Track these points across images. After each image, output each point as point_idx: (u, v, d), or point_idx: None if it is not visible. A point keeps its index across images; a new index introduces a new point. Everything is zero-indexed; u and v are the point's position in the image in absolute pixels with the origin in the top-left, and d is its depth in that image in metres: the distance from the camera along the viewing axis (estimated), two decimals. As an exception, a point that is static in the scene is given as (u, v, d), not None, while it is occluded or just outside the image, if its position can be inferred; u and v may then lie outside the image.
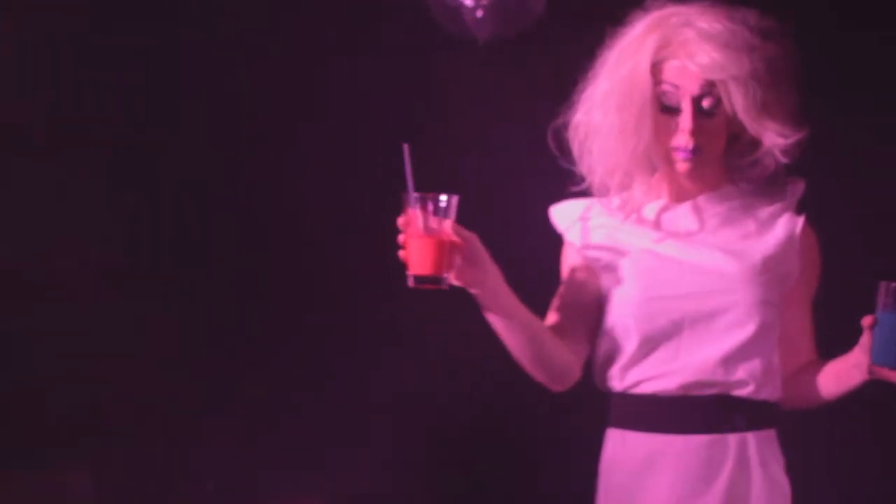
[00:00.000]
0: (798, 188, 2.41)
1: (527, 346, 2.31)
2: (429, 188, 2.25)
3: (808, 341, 2.45)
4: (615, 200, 2.40)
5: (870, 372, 2.23)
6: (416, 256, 2.23)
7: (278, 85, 3.75)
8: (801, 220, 2.39)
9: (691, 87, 2.29)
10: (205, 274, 3.77)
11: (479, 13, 3.07)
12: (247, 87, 3.76)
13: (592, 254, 2.40)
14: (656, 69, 2.30)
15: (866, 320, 2.22)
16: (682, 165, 2.33)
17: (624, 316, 2.35)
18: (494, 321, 2.30)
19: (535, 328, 2.33)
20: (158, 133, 3.78)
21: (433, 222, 2.23)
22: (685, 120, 2.29)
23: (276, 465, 3.72)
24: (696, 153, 2.31)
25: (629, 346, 2.35)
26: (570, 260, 2.45)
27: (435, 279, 2.23)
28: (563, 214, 2.46)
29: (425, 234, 2.22)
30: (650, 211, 2.40)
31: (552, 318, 2.43)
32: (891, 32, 3.47)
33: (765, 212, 2.38)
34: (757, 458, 2.34)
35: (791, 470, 2.41)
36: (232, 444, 3.69)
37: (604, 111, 2.33)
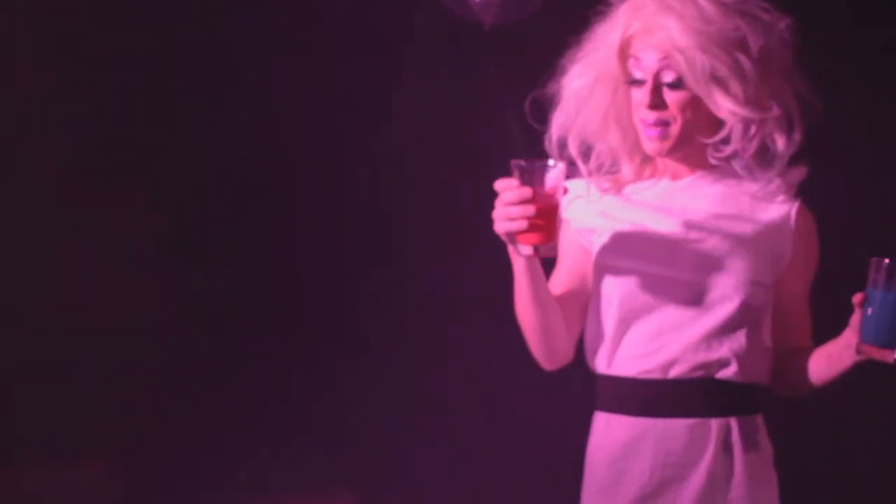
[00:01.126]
0: (798, 173, 2.37)
1: (543, 318, 2.31)
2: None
3: (804, 327, 2.41)
4: (601, 180, 2.40)
5: (858, 351, 2.18)
6: (549, 225, 2.16)
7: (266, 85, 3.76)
8: (796, 204, 2.36)
9: (650, 60, 2.29)
10: (205, 270, 3.77)
11: None
12: (234, 88, 3.75)
13: (587, 232, 2.40)
14: (627, 44, 2.31)
15: (856, 298, 2.18)
16: (648, 144, 2.33)
17: (610, 295, 2.34)
18: (528, 287, 2.28)
19: (553, 302, 2.33)
20: (153, 133, 3.78)
21: (553, 189, 2.17)
22: (644, 93, 2.29)
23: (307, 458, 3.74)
24: (663, 129, 2.30)
25: (613, 325, 2.33)
26: (566, 239, 2.42)
27: (555, 247, 2.20)
28: None
29: (547, 203, 2.15)
30: (644, 189, 2.39)
31: None
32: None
33: (760, 194, 2.35)
34: (740, 443, 2.30)
35: (782, 461, 2.38)
36: (263, 437, 3.73)
37: (570, 79, 2.35)
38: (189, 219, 3.83)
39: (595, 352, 2.38)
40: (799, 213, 2.36)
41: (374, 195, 3.83)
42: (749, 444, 2.31)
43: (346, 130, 3.81)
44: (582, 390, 2.45)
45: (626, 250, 2.34)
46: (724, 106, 2.27)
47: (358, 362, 3.78)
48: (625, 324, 2.32)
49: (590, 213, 2.39)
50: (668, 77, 2.28)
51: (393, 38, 3.72)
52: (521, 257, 2.24)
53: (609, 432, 2.35)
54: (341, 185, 3.83)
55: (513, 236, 2.17)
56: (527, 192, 2.14)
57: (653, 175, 2.41)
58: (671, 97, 2.29)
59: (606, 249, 2.35)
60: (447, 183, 3.61)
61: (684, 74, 2.26)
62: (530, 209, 2.14)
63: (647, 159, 2.41)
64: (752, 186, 2.36)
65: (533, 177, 2.15)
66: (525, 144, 2.21)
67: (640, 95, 2.30)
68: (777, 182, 2.35)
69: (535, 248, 2.18)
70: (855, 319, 2.19)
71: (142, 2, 3.76)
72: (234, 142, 3.82)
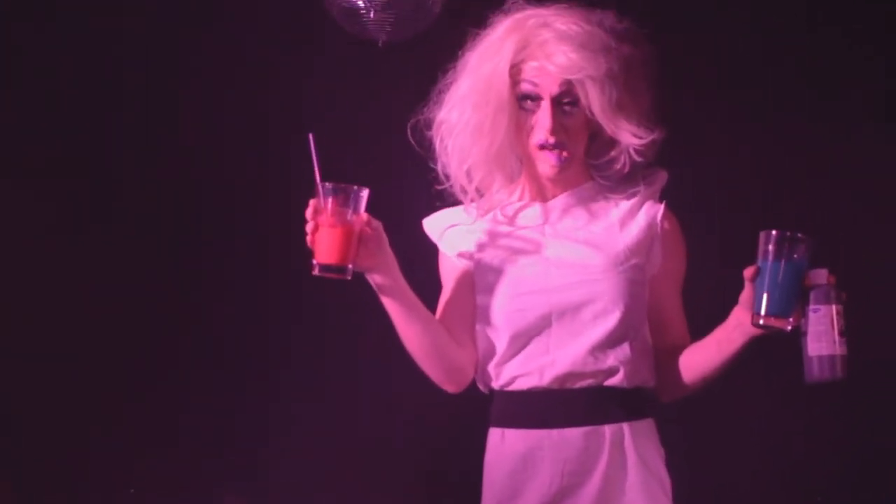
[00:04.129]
0: (660, 178, 2.46)
1: (423, 336, 2.39)
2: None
3: (680, 324, 2.46)
4: (477, 205, 2.45)
5: (754, 323, 2.22)
6: (325, 246, 2.27)
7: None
8: (661, 207, 2.42)
9: (550, 87, 2.33)
10: (88, 278, 3.73)
11: (372, 14, 3.11)
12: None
13: (465, 259, 2.45)
14: (516, 70, 2.35)
15: (748, 272, 2.23)
16: (550, 169, 2.38)
17: (495, 314, 2.39)
18: (393, 308, 2.37)
19: (430, 318, 2.41)
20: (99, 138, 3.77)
21: (344, 213, 2.27)
22: (545, 117, 2.33)
23: (199, 467, 3.73)
24: (561, 153, 2.35)
25: (501, 343, 2.39)
26: (446, 268, 2.50)
27: (340, 269, 2.28)
28: (435, 225, 2.51)
29: (335, 224, 2.26)
30: (515, 211, 2.45)
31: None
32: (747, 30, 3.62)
33: (626, 204, 2.42)
34: (633, 448, 2.35)
35: (675, 463, 2.43)
36: (154, 448, 3.70)
37: (461, 110, 2.38)
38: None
39: (486, 370, 2.43)
40: (664, 215, 2.42)
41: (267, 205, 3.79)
42: (642, 448, 2.36)
43: (246, 145, 3.77)
44: (475, 408, 2.50)
45: (509, 274, 2.40)
46: (628, 130, 2.34)
47: (250, 370, 3.78)
48: (513, 343, 2.38)
49: (468, 240, 2.45)
50: (566, 101, 2.34)
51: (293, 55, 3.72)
52: (372, 284, 2.36)
53: (505, 446, 2.40)
54: (245, 192, 3.80)
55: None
56: (308, 210, 2.27)
57: (521, 196, 2.46)
58: (568, 121, 2.35)
59: (489, 274, 2.41)
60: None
61: (591, 101, 2.32)
62: (309, 226, 2.27)
63: (514, 180, 2.46)
64: (619, 198, 2.42)
65: (334, 199, 2.27)
66: (321, 167, 2.29)
67: (541, 119, 2.34)
68: (641, 190, 2.42)
69: (321, 267, 2.28)
70: (746, 296, 2.24)
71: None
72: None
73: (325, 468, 3.71)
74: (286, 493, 3.73)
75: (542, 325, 2.36)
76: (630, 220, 2.40)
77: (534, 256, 2.39)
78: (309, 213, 2.28)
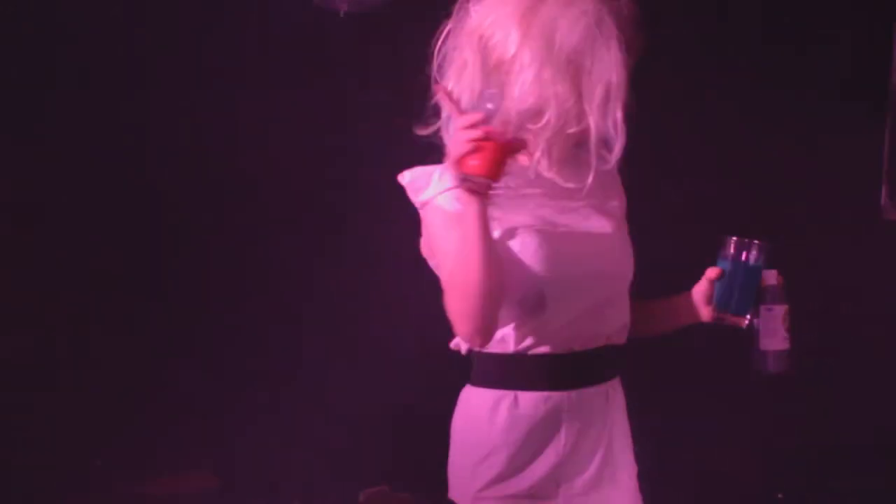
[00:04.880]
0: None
1: (491, 274, 2.24)
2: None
3: None
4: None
5: (714, 319, 2.46)
6: (489, 158, 2.14)
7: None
8: (614, 169, 2.43)
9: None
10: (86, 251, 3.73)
11: None
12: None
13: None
14: None
15: (712, 272, 2.44)
16: None
17: (519, 280, 2.35)
18: (483, 238, 2.21)
19: (500, 261, 2.29)
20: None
21: (505, 131, 2.16)
22: None
23: (166, 441, 3.73)
24: None
25: (525, 308, 2.37)
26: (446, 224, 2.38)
27: (490, 185, 2.18)
28: (421, 181, 2.39)
29: (503, 136, 2.15)
30: (517, 177, 2.38)
31: None
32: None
33: (584, 163, 2.38)
34: (621, 401, 2.49)
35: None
36: (123, 421, 3.70)
37: (557, 71, 2.29)
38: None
39: (506, 333, 2.39)
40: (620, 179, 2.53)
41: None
42: (622, 398, 2.50)
43: (211, 119, 3.74)
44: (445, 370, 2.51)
45: (532, 241, 2.36)
46: None
47: (220, 347, 3.79)
48: (539, 308, 2.36)
49: None
50: None
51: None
52: (473, 204, 2.20)
53: (519, 409, 2.40)
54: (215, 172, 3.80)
55: (458, 163, 2.15)
56: (476, 115, 2.14)
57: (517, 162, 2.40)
58: None
59: (509, 240, 2.36)
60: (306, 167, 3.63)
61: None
62: (476, 133, 2.13)
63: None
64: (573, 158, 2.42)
65: (498, 111, 2.16)
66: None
67: None
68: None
69: (470, 178, 2.15)
70: (701, 288, 2.46)
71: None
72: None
73: (285, 439, 3.76)
74: (254, 469, 3.76)
75: (569, 291, 2.36)
76: (604, 184, 2.44)
77: (551, 223, 2.38)
78: (476, 119, 2.14)
